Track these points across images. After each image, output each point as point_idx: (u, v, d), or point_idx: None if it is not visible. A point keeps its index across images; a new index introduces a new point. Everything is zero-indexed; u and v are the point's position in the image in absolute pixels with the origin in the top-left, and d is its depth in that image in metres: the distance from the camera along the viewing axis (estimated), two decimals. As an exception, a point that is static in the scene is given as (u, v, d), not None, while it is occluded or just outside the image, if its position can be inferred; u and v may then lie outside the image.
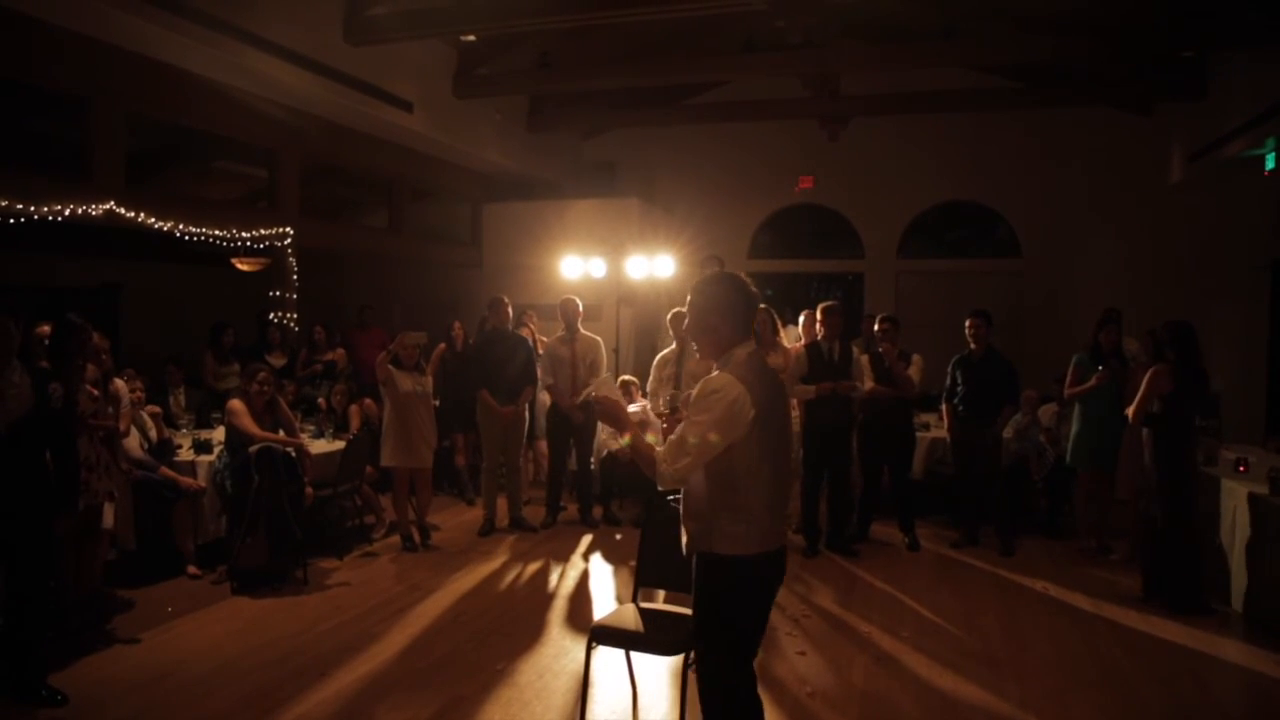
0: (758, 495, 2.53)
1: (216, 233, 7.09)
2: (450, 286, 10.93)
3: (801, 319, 7.22)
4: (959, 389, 6.33)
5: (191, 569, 5.47)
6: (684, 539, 2.66)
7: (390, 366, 6.07)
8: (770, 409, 2.55)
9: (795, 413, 6.51)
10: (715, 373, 2.55)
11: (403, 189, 9.60)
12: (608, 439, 7.18)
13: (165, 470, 5.51)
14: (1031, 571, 5.78)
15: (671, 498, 3.62)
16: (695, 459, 2.48)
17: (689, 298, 2.66)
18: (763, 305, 6.63)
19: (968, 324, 6.28)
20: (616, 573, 5.75)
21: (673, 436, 2.51)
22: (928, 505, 6.93)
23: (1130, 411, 5.06)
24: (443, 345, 7.78)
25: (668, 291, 9.61)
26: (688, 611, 3.37)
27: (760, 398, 2.52)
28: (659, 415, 3.07)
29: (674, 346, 6.67)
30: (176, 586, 5.28)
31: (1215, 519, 5.13)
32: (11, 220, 5.63)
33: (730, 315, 2.59)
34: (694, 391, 2.55)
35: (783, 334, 6.70)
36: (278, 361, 7.76)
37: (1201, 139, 8.52)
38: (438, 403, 6.52)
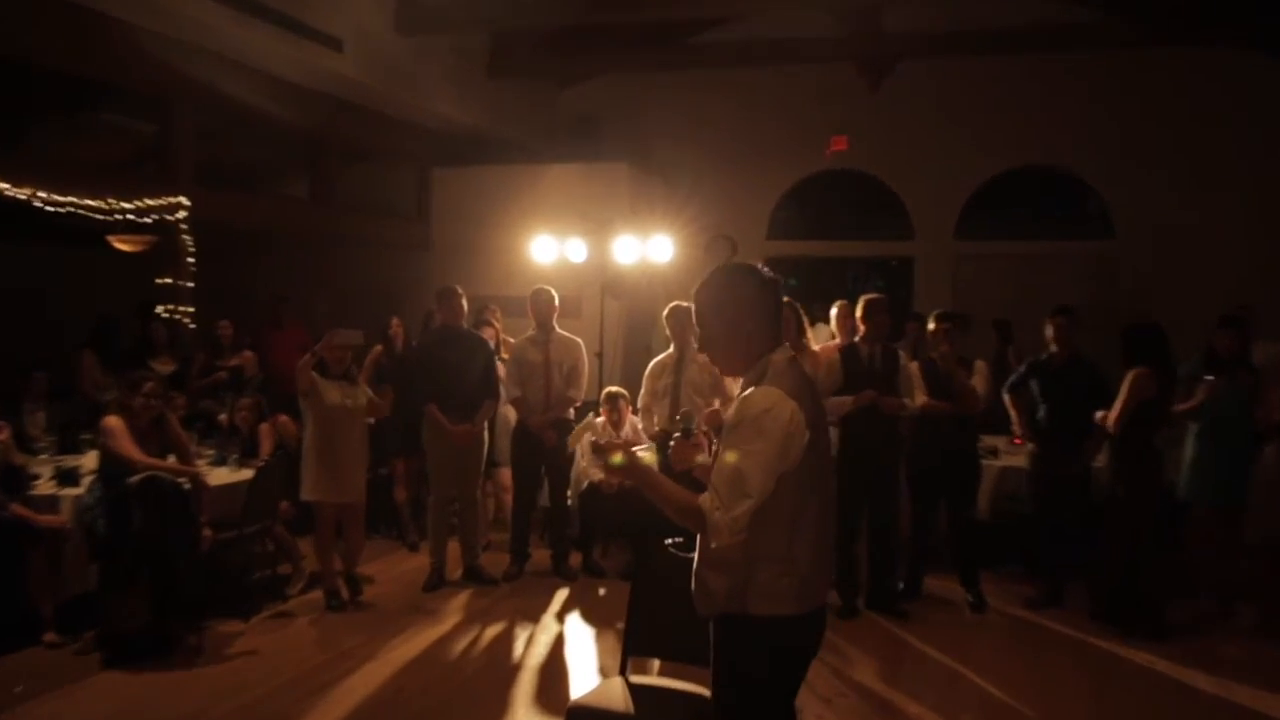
0: (804, 539, 2.56)
1: (88, 203, 7.08)
2: (390, 273, 10.96)
3: (834, 313, 7.22)
4: (1039, 407, 6.36)
5: (49, 635, 5.42)
6: (701, 597, 2.65)
7: (314, 374, 6.06)
8: (819, 430, 2.61)
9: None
10: (754, 387, 2.58)
11: (330, 150, 9.60)
12: (589, 466, 7.21)
13: (16, 508, 5.47)
14: (1132, 640, 5.76)
15: (670, 541, 3.73)
16: (759, 500, 2.48)
17: (698, 296, 2.69)
18: (785, 299, 6.65)
19: (1049, 324, 6.31)
20: (599, 638, 5.76)
21: (721, 474, 2.49)
22: (997, 553, 6.96)
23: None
24: (379, 348, 7.64)
25: (665, 280, 9.63)
26: (691, 687, 3.40)
27: (811, 417, 2.57)
28: (658, 439, 3.00)
29: (671, 350, 6.74)
30: (29, 658, 5.23)
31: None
32: None
33: (764, 315, 2.64)
34: (731, 413, 2.57)
35: (810, 334, 6.71)
36: (165, 368, 7.77)
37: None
38: (373, 420, 6.52)
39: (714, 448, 2.67)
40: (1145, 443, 5.76)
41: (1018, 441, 7.03)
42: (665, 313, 6.77)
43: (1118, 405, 5.68)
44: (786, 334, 6.35)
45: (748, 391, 2.57)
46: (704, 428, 2.73)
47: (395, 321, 7.87)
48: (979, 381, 6.29)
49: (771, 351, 2.63)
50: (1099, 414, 5.85)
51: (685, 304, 6.76)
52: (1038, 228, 10.96)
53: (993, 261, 11.00)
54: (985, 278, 10.98)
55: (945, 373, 6.21)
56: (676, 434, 2.87)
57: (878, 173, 11.30)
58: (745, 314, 2.63)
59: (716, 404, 6.24)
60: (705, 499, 2.49)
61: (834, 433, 6.57)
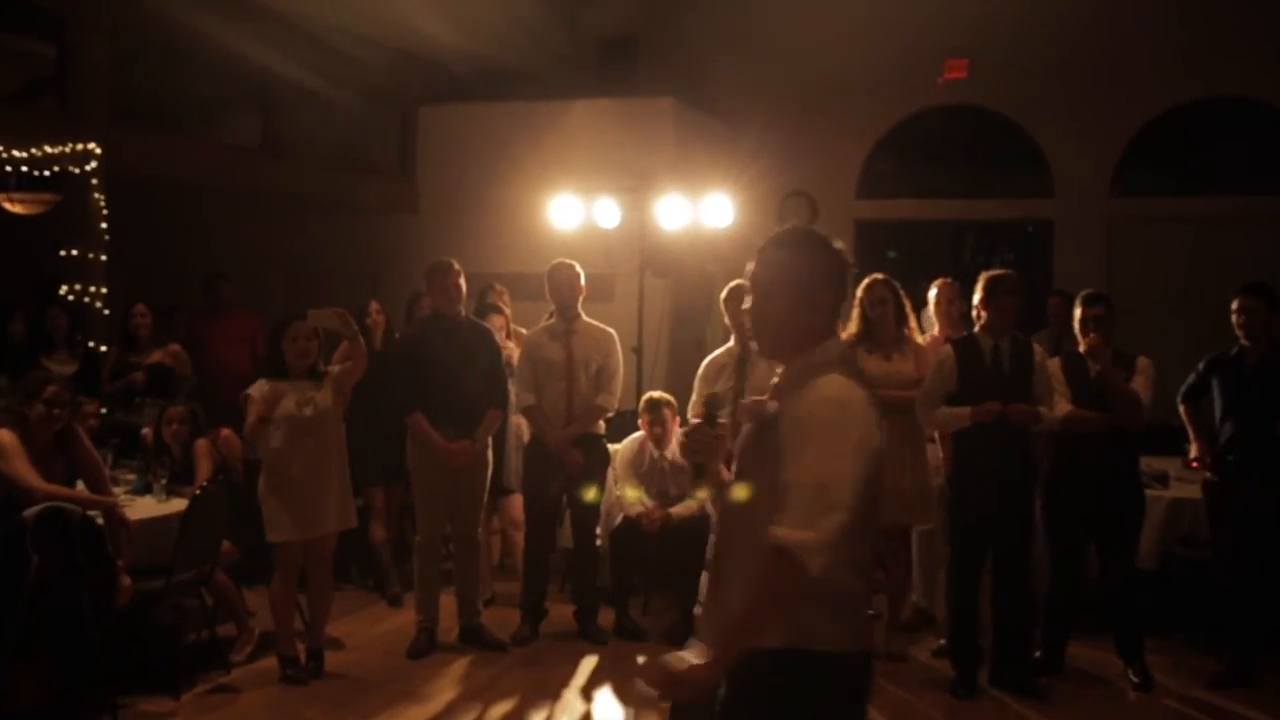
0: (855, 562, 2.71)
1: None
2: (366, 244, 11.03)
3: (932, 295, 7.19)
4: (1226, 421, 6.30)
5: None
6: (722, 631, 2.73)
7: (261, 409, 6.00)
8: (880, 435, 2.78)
9: (938, 452, 6.51)
10: (819, 377, 2.71)
11: (286, 84, 9.64)
12: (624, 494, 7.21)
13: None
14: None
15: None
16: (852, 514, 2.59)
17: (760, 257, 2.83)
18: (880, 276, 6.67)
19: (1235, 307, 6.26)
20: (638, 721, 5.71)
21: (798, 490, 2.60)
22: (1166, 615, 6.87)
23: None
24: (346, 344, 7.77)
25: (722, 253, 9.60)
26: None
27: (875, 416, 2.75)
28: (689, 431, 3.05)
29: (731, 344, 6.73)
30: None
31: None
32: None
33: (833, 296, 2.84)
34: (788, 407, 2.69)
35: (913, 323, 6.67)
36: (65, 368, 7.75)
37: None
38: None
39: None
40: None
41: (1195, 465, 6.95)
42: (724, 295, 6.76)
43: None
44: (882, 324, 6.46)
45: (815, 380, 2.69)
46: (736, 418, 2.82)
47: (374, 307, 7.84)
48: (1143, 384, 6.19)
49: (828, 339, 2.79)
50: None
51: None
52: (1222, 180, 10.87)
53: (1162, 227, 10.95)
54: (1153, 247, 10.93)
55: (1097, 373, 6.14)
56: (697, 418, 2.95)
57: (1006, 110, 11.24)
58: (813, 289, 2.78)
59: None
60: (777, 531, 2.57)
61: (936, 451, 6.54)
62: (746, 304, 2.91)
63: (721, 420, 2.95)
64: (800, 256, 2.80)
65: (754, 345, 6.68)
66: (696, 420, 2.97)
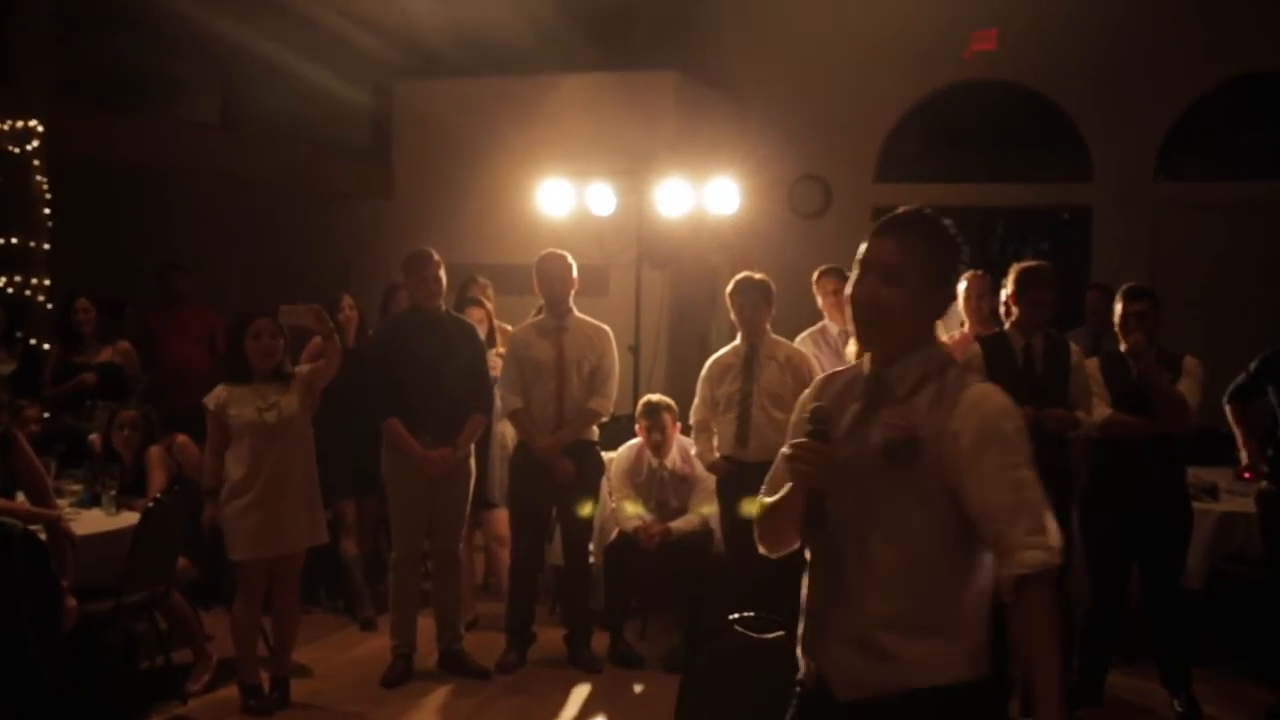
0: None
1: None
2: (337, 232, 11.05)
3: (961, 289, 7.14)
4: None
5: None
6: (862, 667, 2.74)
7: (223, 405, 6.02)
8: None
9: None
10: (974, 383, 2.82)
11: (248, 55, 9.61)
12: (620, 507, 7.25)
13: None
14: None
15: (737, 616, 3.72)
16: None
17: (909, 230, 2.81)
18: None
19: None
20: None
21: (1016, 491, 2.68)
22: (1216, 640, 6.84)
23: None
24: (318, 340, 7.74)
25: (729, 243, 9.60)
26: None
27: None
28: (801, 454, 2.79)
29: (738, 343, 6.76)
30: None
31: None
32: None
33: (953, 292, 3.08)
34: (964, 421, 2.71)
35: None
36: (4, 366, 7.85)
37: None
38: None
39: None
40: None
41: (1247, 476, 6.96)
42: (730, 288, 6.75)
43: None
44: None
45: (967, 387, 2.76)
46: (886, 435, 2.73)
47: (346, 301, 7.86)
48: (1190, 386, 6.17)
49: (931, 338, 2.85)
50: None
51: (759, 276, 6.73)
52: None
53: (1211, 213, 10.93)
54: (1202, 236, 10.91)
55: (1139, 374, 6.11)
56: (801, 438, 2.75)
57: (1039, 84, 11.23)
58: (940, 281, 2.86)
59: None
60: (1015, 534, 2.64)
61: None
62: (849, 287, 2.82)
63: (831, 433, 2.77)
64: (934, 243, 2.83)
65: (773, 347, 6.84)
66: (802, 440, 2.76)
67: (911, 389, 2.76)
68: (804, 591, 2.87)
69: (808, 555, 2.87)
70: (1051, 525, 2.67)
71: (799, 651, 2.87)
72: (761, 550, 3.01)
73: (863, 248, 2.81)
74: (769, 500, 2.90)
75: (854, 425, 2.78)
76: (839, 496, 2.73)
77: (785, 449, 2.77)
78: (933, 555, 2.71)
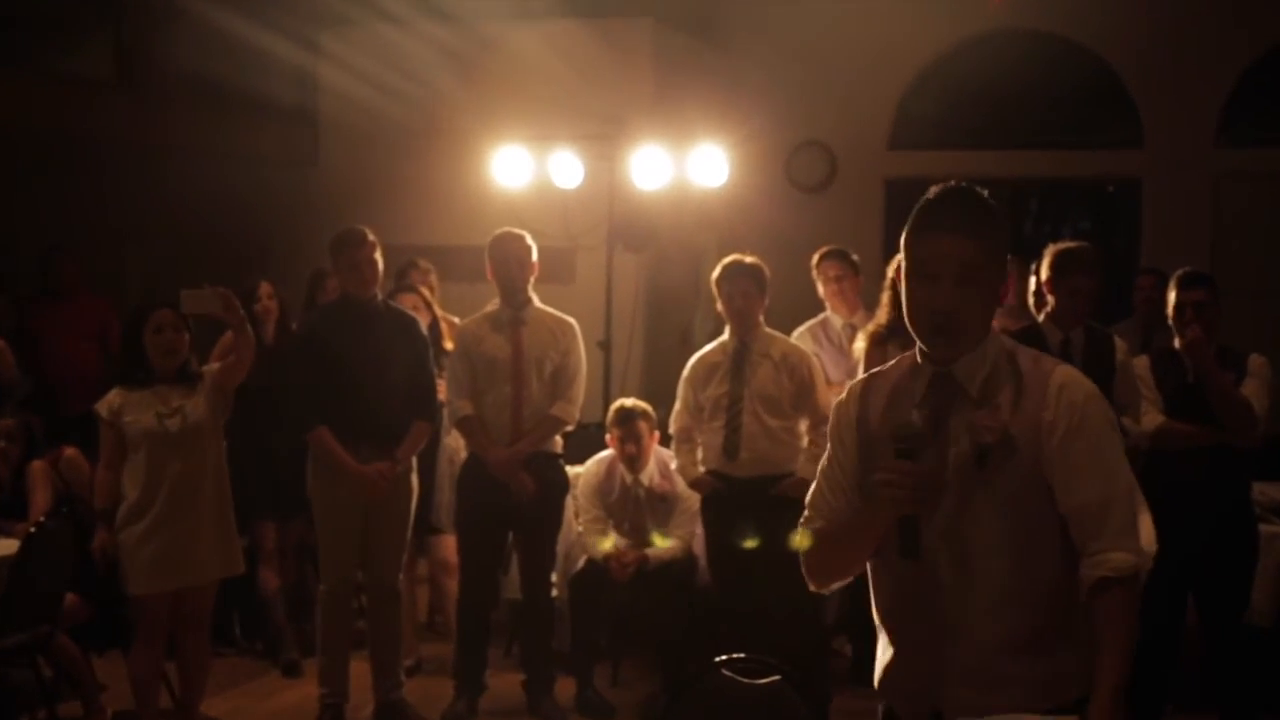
0: None
1: None
2: (253, 207, 10.99)
3: None
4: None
5: None
6: (977, 699, 2.81)
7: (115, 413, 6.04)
8: None
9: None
10: (1057, 367, 2.89)
11: (146, 3, 9.60)
12: (587, 531, 7.33)
13: None
14: None
15: (724, 659, 3.72)
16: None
17: (979, 218, 2.83)
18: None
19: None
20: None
21: (1115, 502, 2.77)
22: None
23: None
24: (230, 335, 7.73)
25: (715, 220, 9.71)
26: None
27: None
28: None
29: (726, 338, 6.81)
30: None
31: None
32: None
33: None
34: (1072, 412, 2.78)
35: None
36: None
37: None
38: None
39: None
40: None
41: None
42: (716, 275, 6.77)
43: None
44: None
45: (1051, 374, 2.84)
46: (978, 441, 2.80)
47: (264, 289, 7.90)
48: (1257, 389, 6.21)
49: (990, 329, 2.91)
50: None
51: (750, 260, 6.73)
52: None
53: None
54: (1268, 211, 10.96)
55: (1197, 374, 6.12)
56: (890, 459, 2.76)
57: (1081, 36, 11.25)
58: (1004, 269, 2.95)
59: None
60: (1104, 532, 2.74)
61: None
62: (907, 294, 2.84)
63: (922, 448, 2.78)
64: (1002, 229, 2.91)
65: (767, 343, 6.89)
66: (897, 461, 2.75)
67: (985, 385, 2.82)
68: (886, 630, 2.95)
69: (883, 590, 2.94)
70: (1144, 522, 2.80)
71: (882, 701, 2.98)
72: (812, 586, 3.05)
73: (920, 244, 2.82)
74: (825, 528, 2.95)
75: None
76: (925, 517, 2.80)
77: (878, 475, 2.76)
78: (1042, 562, 2.80)
